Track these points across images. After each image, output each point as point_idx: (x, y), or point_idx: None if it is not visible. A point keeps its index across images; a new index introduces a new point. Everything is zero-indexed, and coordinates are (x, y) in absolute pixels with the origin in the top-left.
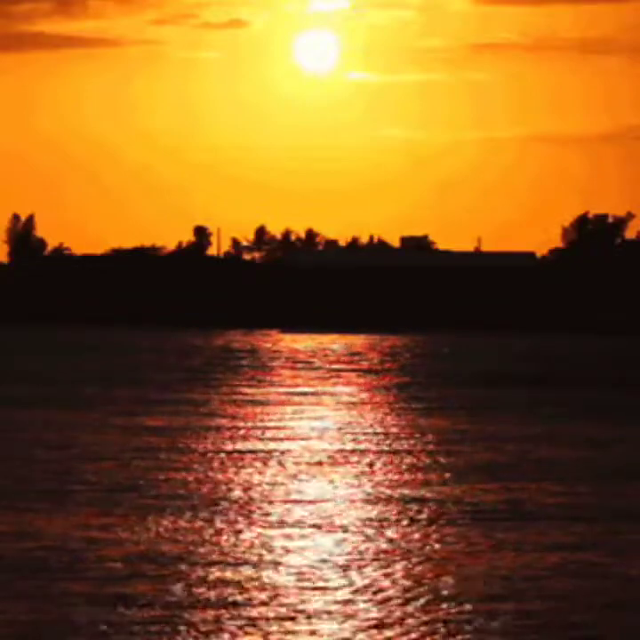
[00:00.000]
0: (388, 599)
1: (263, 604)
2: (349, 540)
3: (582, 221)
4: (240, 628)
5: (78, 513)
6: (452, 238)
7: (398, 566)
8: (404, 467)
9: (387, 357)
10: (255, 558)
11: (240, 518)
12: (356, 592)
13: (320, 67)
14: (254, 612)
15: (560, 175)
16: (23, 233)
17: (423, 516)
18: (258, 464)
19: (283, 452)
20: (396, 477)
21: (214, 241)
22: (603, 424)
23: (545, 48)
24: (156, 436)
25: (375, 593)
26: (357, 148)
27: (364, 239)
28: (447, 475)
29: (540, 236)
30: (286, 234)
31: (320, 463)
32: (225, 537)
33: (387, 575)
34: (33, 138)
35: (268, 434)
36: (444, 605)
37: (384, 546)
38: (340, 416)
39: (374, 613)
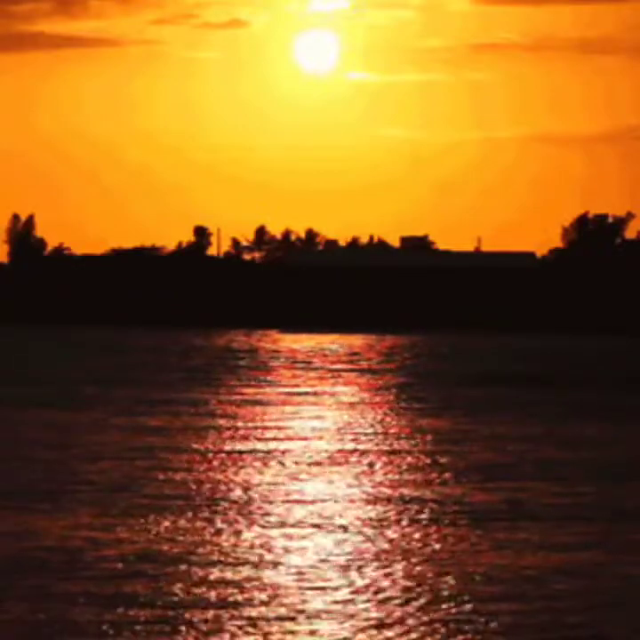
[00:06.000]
0: (388, 599)
1: (263, 603)
2: (349, 540)
3: (582, 221)
4: (240, 627)
5: (78, 513)
6: (451, 238)
7: (398, 566)
8: (403, 467)
9: (386, 357)
10: (255, 558)
11: (240, 518)
12: (355, 592)
13: (320, 67)
14: (254, 612)
15: (560, 175)
16: (23, 233)
17: (423, 516)
18: (258, 464)
19: (283, 452)
20: (396, 477)
21: (214, 241)
22: (603, 424)
23: (545, 48)
24: (155, 436)
25: (375, 593)
26: (357, 147)
27: (364, 239)
28: (447, 475)
29: (540, 236)
30: (286, 234)
31: (320, 463)
32: (225, 537)
33: (387, 575)
34: (33, 138)
35: (268, 434)
36: (444, 605)
37: (384, 546)
38: (340, 416)
39: (374, 613)
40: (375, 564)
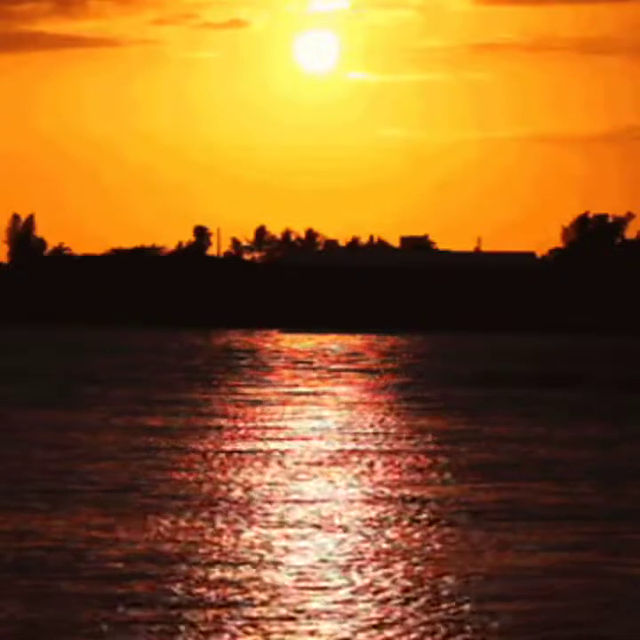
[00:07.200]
0: (388, 599)
1: (263, 603)
2: (349, 540)
3: (582, 221)
4: (240, 627)
5: (78, 513)
6: (451, 238)
7: (398, 566)
8: (403, 467)
9: (386, 357)
10: (255, 558)
11: (240, 518)
12: (356, 592)
13: (320, 67)
14: (254, 612)
15: (560, 175)
16: (23, 233)
17: (423, 516)
18: (258, 464)
19: (283, 452)
20: (396, 477)
21: (214, 241)
22: (603, 424)
23: (545, 48)
24: (155, 436)
25: (375, 593)
26: (357, 147)
27: (364, 239)
28: (447, 475)
29: (540, 235)
30: (286, 234)
31: (320, 463)
32: (225, 537)
33: (387, 575)
34: (33, 138)
35: (268, 434)
36: (444, 605)
37: (384, 546)
38: (340, 416)
39: (374, 613)
40: (375, 564)
